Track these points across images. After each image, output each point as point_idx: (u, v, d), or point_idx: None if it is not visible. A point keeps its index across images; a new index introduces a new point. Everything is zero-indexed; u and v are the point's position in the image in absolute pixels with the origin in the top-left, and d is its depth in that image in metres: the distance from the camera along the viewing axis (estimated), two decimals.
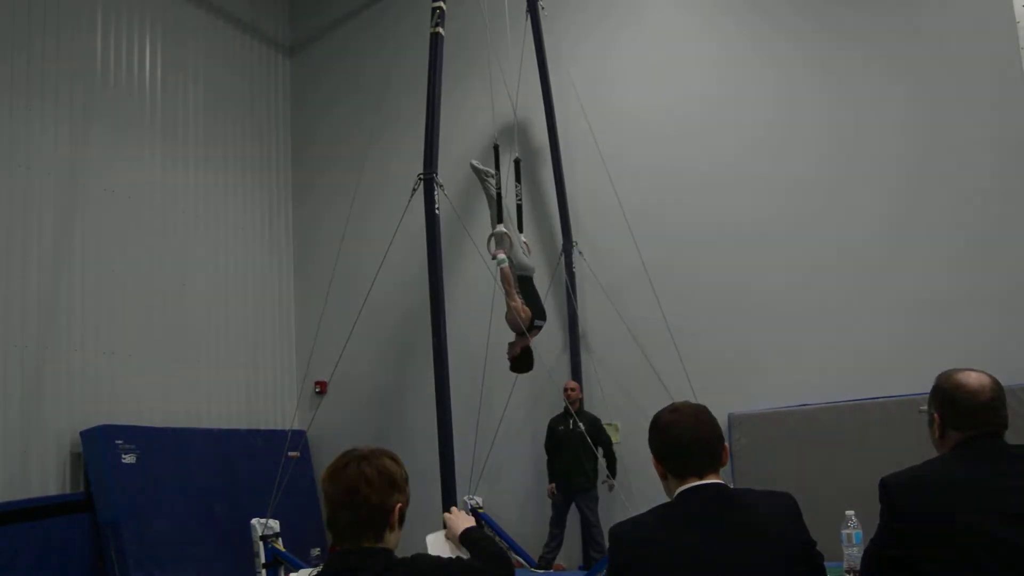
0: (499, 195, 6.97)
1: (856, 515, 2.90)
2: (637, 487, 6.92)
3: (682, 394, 5.20)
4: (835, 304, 6.94)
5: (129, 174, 7.97)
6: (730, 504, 1.95)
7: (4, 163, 6.93)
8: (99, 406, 7.24)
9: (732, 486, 2.04)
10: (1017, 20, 6.54)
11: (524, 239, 7.17)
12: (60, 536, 6.55)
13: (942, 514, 1.95)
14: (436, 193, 6.08)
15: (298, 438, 8.20)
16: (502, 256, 6.58)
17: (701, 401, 2.14)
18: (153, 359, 7.90)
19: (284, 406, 9.35)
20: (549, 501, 7.41)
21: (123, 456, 6.97)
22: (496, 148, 7.19)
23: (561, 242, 8.11)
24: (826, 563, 1.99)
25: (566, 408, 7.20)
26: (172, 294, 8.22)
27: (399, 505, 1.90)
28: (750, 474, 6.62)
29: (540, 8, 8.01)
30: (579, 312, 7.95)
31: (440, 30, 6.45)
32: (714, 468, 1.99)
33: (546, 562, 7.17)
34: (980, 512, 1.92)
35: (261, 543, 6.23)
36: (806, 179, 7.21)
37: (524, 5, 7.98)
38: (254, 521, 6.30)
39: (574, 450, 7.15)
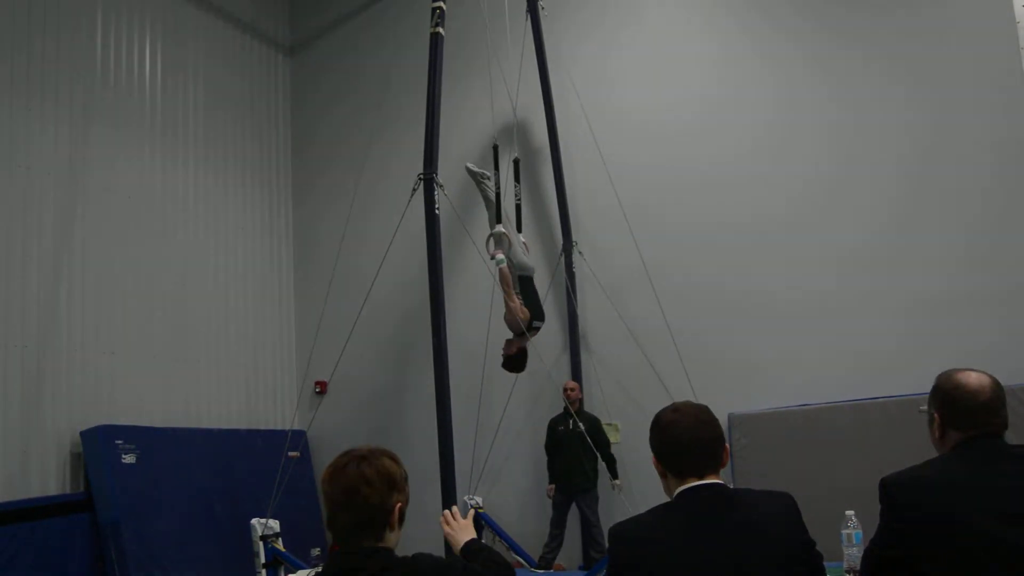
0: (498, 195, 6.97)
1: (856, 515, 2.90)
2: (637, 487, 6.93)
3: (682, 394, 5.20)
4: (835, 304, 6.94)
5: (129, 174, 7.96)
6: (730, 504, 1.95)
7: (4, 163, 6.93)
8: (99, 406, 7.24)
9: (732, 486, 2.04)
10: (1017, 20, 6.54)
11: (523, 239, 7.17)
12: (60, 536, 6.54)
13: (942, 514, 1.95)
14: (436, 193, 6.08)
15: (298, 438, 8.20)
16: (500, 256, 6.58)
17: (701, 401, 2.13)
18: (153, 359, 7.89)
19: (284, 406, 9.35)
20: (549, 501, 7.41)
21: (123, 456, 6.97)
22: (495, 148, 7.20)
23: (561, 242, 8.12)
24: (826, 563, 1.99)
25: (566, 408, 7.20)
26: (172, 294, 8.21)
27: (399, 505, 1.90)
28: (750, 474, 6.62)
29: (540, 8, 8.01)
30: (579, 312, 7.95)
31: (440, 30, 6.45)
32: (714, 469, 1.99)
33: (546, 562, 7.17)
34: (980, 512, 1.92)
35: (261, 543, 6.24)
36: (806, 179, 7.21)
37: (524, 5, 7.98)
38: (254, 521, 6.30)
39: (574, 450, 7.15)
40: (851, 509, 2.94)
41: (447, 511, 2.49)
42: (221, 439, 8.15)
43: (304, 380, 9.16)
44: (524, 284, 6.78)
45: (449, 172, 6.93)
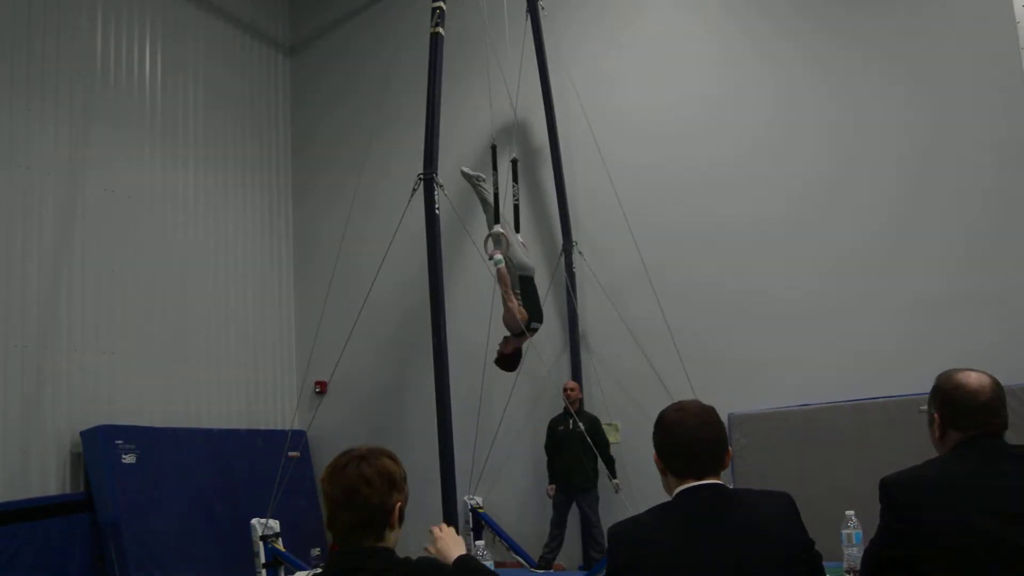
0: (496, 196, 6.97)
1: (856, 515, 2.91)
2: (637, 487, 6.92)
3: (682, 394, 5.18)
4: (835, 304, 6.93)
5: (129, 174, 7.96)
6: (729, 504, 1.94)
7: (4, 163, 6.93)
8: (99, 406, 7.24)
9: (732, 486, 2.04)
10: (1017, 20, 6.53)
11: (521, 239, 7.17)
12: (60, 536, 6.54)
13: (942, 514, 1.95)
14: (436, 193, 6.08)
15: (298, 438, 8.20)
16: (499, 256, 6.58)
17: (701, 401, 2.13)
18: (153, 359, 7.89)
19: (284, 406, 9.35)
20: (549, 501, 7.41)
21: (123, 456, 6.97)
22: (494, 148, 7.20)
23: (561, 242, 8.11)
24: (826, 563, 1.99)
25: (566, 408, 7.19)
26: (172, 294, 8.21)
27: (399, 504, 1.90)
28: (750, 474, 6.62)
29: (540, 8, 8.01)
30: (579, 312, 7.95)
31: (440, 30, 6.45)
32: (715, 470, 1.99)
33: (546, 562, 7.16)
34: (980, 512, 1.92)
35: (261, 543, 6.23)
36: (806, 179, 7.21)
37: (524, 5, 7.98)
38: (254, 521, 6.29)
39: (574, 450, 7.14)
40: (851, 509, 2.95)
41: (435, 527, 2.36)
42: (221, 439, 8.14)
43: (304, 380, 9.16)
44: (524, 284, 6.78)
45: (449, 172, 6.93)
